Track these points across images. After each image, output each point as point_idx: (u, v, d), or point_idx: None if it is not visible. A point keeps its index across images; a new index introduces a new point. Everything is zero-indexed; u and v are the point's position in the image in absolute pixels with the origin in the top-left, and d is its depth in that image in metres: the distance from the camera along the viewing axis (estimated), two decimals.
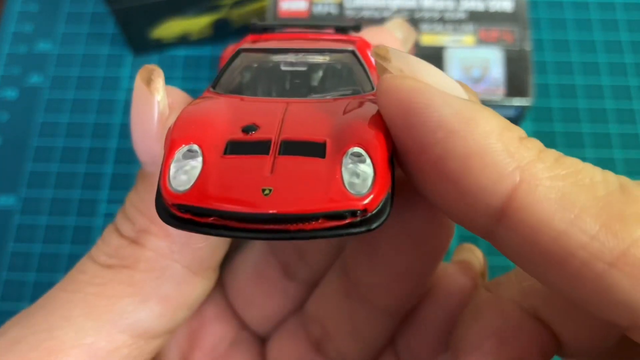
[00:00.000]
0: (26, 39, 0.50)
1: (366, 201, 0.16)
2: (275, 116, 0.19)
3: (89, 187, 0.44)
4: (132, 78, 0.48)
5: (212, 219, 0.16)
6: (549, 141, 0.45)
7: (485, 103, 0.38)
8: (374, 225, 0.17)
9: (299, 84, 0.21)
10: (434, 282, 0.23)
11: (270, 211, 0.16)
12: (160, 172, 0.17)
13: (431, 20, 0.40)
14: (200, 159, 0.17)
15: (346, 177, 0.17)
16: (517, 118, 0.39)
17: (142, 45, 0.48)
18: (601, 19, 0.50)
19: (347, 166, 0.17)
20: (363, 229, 0.16)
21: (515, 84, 0.38)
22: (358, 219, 0.16)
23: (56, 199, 0.44)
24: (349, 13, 0.40)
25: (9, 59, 0.49)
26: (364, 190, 0.16)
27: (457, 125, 0.16)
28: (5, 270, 0.42)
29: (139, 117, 0.20)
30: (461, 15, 0.40)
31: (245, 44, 0.23)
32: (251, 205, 0.16)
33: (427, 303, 0.23)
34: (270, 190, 0.16)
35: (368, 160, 0.17)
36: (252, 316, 0.26)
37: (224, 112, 0.19)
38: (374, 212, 0.17)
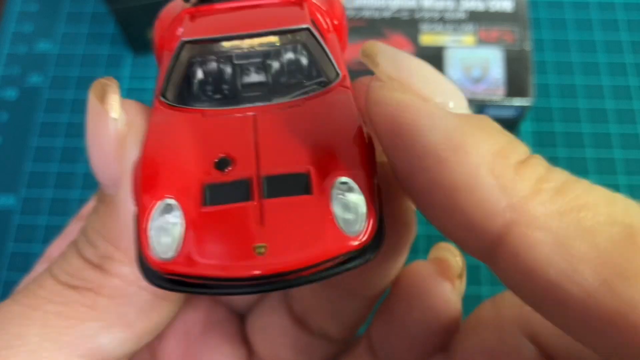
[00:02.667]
0: (26, 39, 0.50)
1: (363, 238, 0.15)
2: (247, 140, 0.17)
3: (88, 187, 0.44)
4: (132, 78, 0.48)
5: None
6: (549, 141, 0.45)
7: (486, 103, 0.38)
8: (372, 256, 0.16)
9: (257, 82, 0.19)
10: (409, 283, 0.23)
11: (268, 272, 0.15)
12: (137, 234, 0.16)
13: (431, 20, 0.40)
14: (179, 213, 0.16)
15: (338, 212, 0.16)
16: (517, 118, 0.39)
17: (142, 45, 0.48)
18: (601, 19, 0.50)
19: (337, 197, 0.16)
20: (362, 261, 0.16)
21: (515, 84, 0.38)
22: (356, 252, 0.16)
23: (56, 199, 0.44)
24: (349, 13, 0.40)
25: (9, 59, 0.49)
26: (360, 227, 0.15)
27: (446, 153, 0.15)
28: (5, 270, 0.42)
29: (94, 137, 0.18)
30: (461, 15, 0.40)
31: (185, 25, 0.20)
32: (246, 268, 0.15)
33: (402, 304, 0.22)
34: (264, 247, 0.15)
35: (356, 188, 0.16)
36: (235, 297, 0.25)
37: (189, 142, 0.17)
38: (370, 242, 0.16)
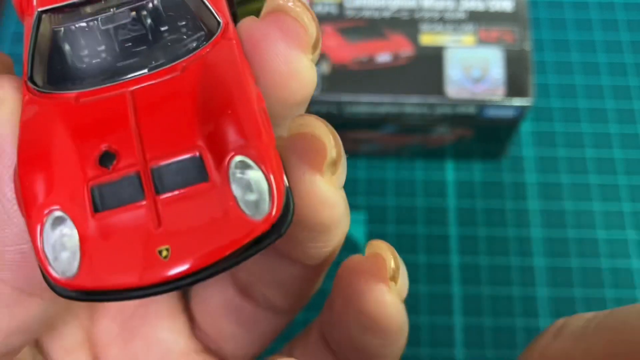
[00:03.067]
0: None
1: (271, 217, 0.15)
2: (127, 125, 0.15)
3: None
4: None
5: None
6: (549, 141, 0.45)
7: (486, 103, 0.38)
8: (282, 231, 0.15)
9: (133, 47, 0.17)
10: (345, 280, 0.21)
11: (177, 275, 0.14)
12: (34, 252, 0.15)
13: (431, 20, 0.40)
14: (70, 223, 0.15)
15: (239, 194, 0.15)
16: (517, 118, 0.39)
17: None
18: (601, 19, 0.50)
19: (235, 179, 0.15)
20: (271, 240, 0.15)
21: (515, 84, 0.38)
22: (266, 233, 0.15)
23: None
24: (349, 13, 0.40)
25: None
26: (265, 207, 0.15)
27: None
28: None
29: None
30: (461, 15, 0.40)
31: None
32: (154, 275, 0.14)
33: (339, 300, 0.21)
34: (167, 250, 0.14)
35: (254, 164, 0.15)
36: None
37: (65, 137, 0.15)
38: (279, 219, 0.15)
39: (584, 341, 0.18)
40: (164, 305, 0.23)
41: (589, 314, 0.19)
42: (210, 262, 0.14)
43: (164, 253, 0.14)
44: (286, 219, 0.15)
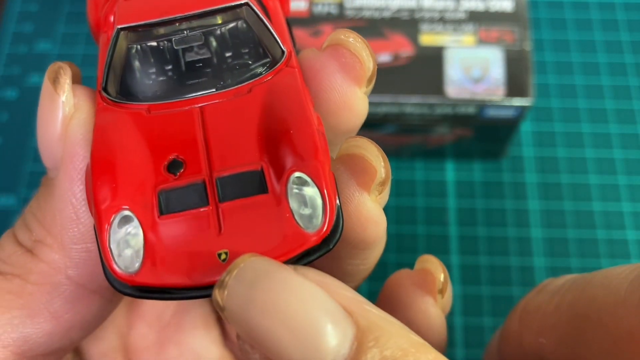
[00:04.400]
0: (26, 39, 0.50)
1: (322, 231, 0.16)
2: (195, 138, 0.17)
3: None
4: None
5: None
6: (549, 141, 0.45)
7: (486, 103, 0.38)
8: (331, 246, 0.16)
9: (199, 68, 0.19)
10: (391, 292, 0.22)
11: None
12: (99, 248, 0.16)
13: (431, 20, 0.40)
14: (136, 223, 0.16)
15: (295, 207, 0.16)
16: (517, 118, 0.39)
17: None
18: (601, 19, 0.50)
19: (293, 193, 0.16)
20: (321, 253, 0.16)
21: (515, 84, 0.38)
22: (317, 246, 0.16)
23: None
24: (349, 13, 0.40)
25: (9, 59, 0.49)
26: (318, 222, 0.16)
27: None
28: None
29: (43, 119, 0.18)
30: (461, 15, 0.40)
31: (119, 8, 0.19)
32: (212, 275, 0.15)
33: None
34: (226, 254, 0.15)
35: (310, 181, 0.16)
36: None
37: (137, 144, 0.17)
38: (330, 232, 0.16)
39: (557, 297, 0.21)
40: (199, 316, 0.24)
41: (569, 276, 0.22)
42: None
43: (223, 256, 0.15)
44: (336, 234, 0.16)
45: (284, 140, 0.16)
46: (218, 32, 0.19)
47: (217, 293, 0.14)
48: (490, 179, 0.44)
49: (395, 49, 0.39)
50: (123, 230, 0.16)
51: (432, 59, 0.39)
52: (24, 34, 0.50)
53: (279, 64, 0.18)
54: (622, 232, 0.43)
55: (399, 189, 0.44)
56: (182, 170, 0.16)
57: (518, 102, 0.38)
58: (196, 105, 0.17)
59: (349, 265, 0.20)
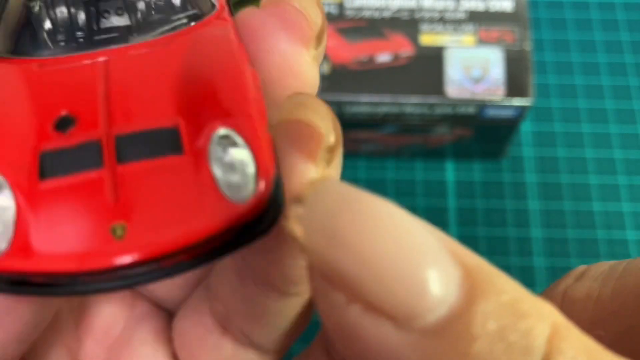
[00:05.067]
0: None
1: (256, 203, 0.12)
2: (94, 92, 0.13)
3: None
4: None
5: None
6: (549, 141, 0.45)
7: (486, 103, 0.38)
8: (269, 225, 0.12)
9: (108, 20, 0.15)
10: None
11: (133, 260, 0.11)
12: None
13: (431, 20, 0.40)
14: (8, 192, 0.12)
15: (219, 174, 0.12)
16: (517, 118, 0.39)
17: None
18: (601, 19, 0.50)
19: (216, 157, 0.12)
20: (255, 235, 0.12)
21: (515, 84, 0.38)
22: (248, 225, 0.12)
23: None
24: (349, 13, 0.40)
25: None
26: (249, 191, 0.12)
27: None
28: None
29: None
30: (461, 15, 0.40)
31: None
32: (103, 257, 0.11)
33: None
34: (122, 228, 0.12)
35: (241, 141, 0.12)
36: (158, 289, 0.21)
37: (18, 100, 0.13)
38: (265, 209, 0.12)
39: (611, 282, 0.18)
40: (150, 331, 0.21)
41: (610, 262, 0.19)
42: (175, 247, 0.11)
43: (119, 231, 0.12)
44: (273, 210, 0.12)
45: (207, 94, 0.13)
46: None
47: (294, 227, 0.11)
48: (490, 179, 0.44)
49: (395, 49, 0.39)
50: None
51: (432, 59, 0.39)
52: None
53: (207, 17, 0.15)
54: (622, 232, 0.43)
55: (399, 189, 0.44)
56: (73, 128, 0.13)
57: (518, 102, 0.38)
58: (100, 59, 0.14)
59: (297, 268, 0.15)
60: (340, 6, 0.40)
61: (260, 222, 0.12)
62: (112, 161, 0.12)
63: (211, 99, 0.13)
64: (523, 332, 0.10)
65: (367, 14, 0.40)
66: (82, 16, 0.15)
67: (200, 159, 0.12)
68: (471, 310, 0.10)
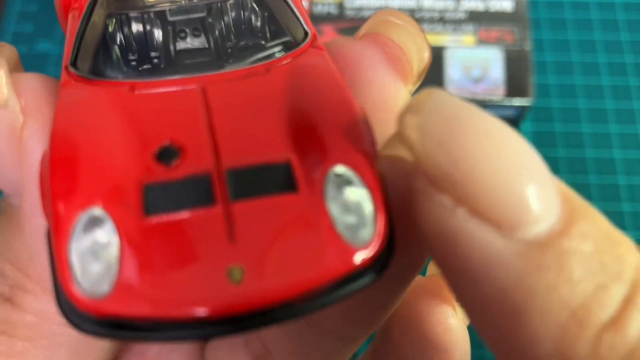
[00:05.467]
0: (26, 39, 0.50)
1: (375, 247, 0.11)
2: (196, 121, 0.12)
3: None
4: None
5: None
6: (549, 141, 0.45)
7: (486, 103, 0.38)
8: (383, 270, 0.11)
9: (198, 49, 0.15)
10: (404, 302, 0.18)
11: (254, 307, 0.10)
12: (52, 261, 0.11)
13: (431, 20, 0.40)
14: (110, 227, 0.11)
15: (336, 214, 0.11)
16: (517, 118, 0.39)
17: None
18: (601, 19, 0.50)
19: (333, 197, 0.11)
20: (372, 278, 0.11)
21: (515, 84, 0.38)
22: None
23: None
24: (349, 13, 0.40)
25: None
26: (368, 233, 0.11)
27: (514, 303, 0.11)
28: None
29: None
30: (461, 15, 0.40)
31: None
32: (221, 303, 0.10)
33: (397, 326, 0.18)
34: (240, 271, 0.10)
35: (357, 179, 0.11)
36: None
37: (115, 127, 0.12)
38: (383, 251, 0.11)
39: None
40: (185, 355, 0.20)
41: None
42: (298, 292, 0.11)
43: (237, 275, 0.10)
44: (388, 254, 0.11)
45: (317, 127, 0.12)
46: (221, 8, 0.15)
47: (409, 132, 0.11)
48: None
49: None
50: (91, 235, 0.11)
51: (432, 59, 0.39)
52: (24, 34, 0.50)
53: (302, 45, 0.14)
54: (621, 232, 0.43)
55: None
56: (178, 160, 0.12)
57: (518, 102, 0.38)
58: (194, 85, 0.13)
59: (356, 310, 0.15)
60: (340, 6, 0.40)
61: (377, 265, 0.11)
62: (224, 197, 0.11)
63: (323, 133, 0.12)
64: (616, 257, 0.11)
65: (367, 14, 0.40)
66: (158, 34, 0.14)
67: (316, 197, 0.11)
68: (571, 230, 0.11)
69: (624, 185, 0.44)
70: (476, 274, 0.11)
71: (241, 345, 0.19)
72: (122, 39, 0.14)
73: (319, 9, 0.40)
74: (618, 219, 0.43)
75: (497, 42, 0.39)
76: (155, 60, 0.14)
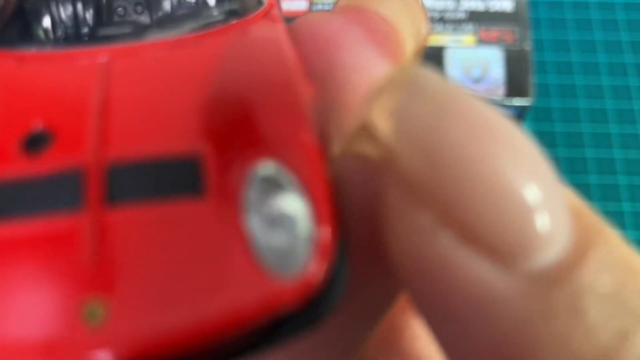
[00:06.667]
0: None
1: (310, 283, 0.08)
2: (86, 99, 0.09)
3: None
4: None
5: None
6: (549, 141, 0.45)
7: None
8: (324, 313, 0.08)
9: (122, 13, 0.12)
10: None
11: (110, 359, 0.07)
12: None
13: (431, 20, 0.40)
14: None
15: (257, 231, 0.08)
16: (517, 118, 0.39)
17: None
18: (601, 19, 0.50)
19: (255, 206, 0.08)
20: (308, 322, 0.08)
21: (515, 84, 0.38)
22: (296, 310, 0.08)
23: None
24: None
25: None
26: (299, 259, 0.08)
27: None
28: None
29: None
30: (461, 15, 0.40)
31: None
32: (67, 351, 0.07)
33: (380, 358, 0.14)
34: (101, 308, 0.07)
35: (292, 182, 0.08)
36: None
37: None
38: (323, 290, 0.08)
39: None
40: None
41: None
42: (181, 343, 0.07)
43: (96, 312, 0.07)
44: (335, 292, 0.08)
45: (245, 114, 0.09)
46: None
47: (378, 121, 0.08)
48: None
49: None
50: None
51: (432, 59, 0.39)
52: None
53: (250, 14, 0.11)
54: (622, 232, 0.43)
55: None
56: (47, 149, 0.09)
57: (518, 102, 0.38)
58: (101, 59, 0.10)
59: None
60: None
61: (311, 310, 0.08)
62: (98, 201, 0.08)
63: (251, 121, 0.09)
64: (639, 292, 0.08)
65: None
66: (89, 13, 0.12)
67: (230, 206, 0.08)
68: (586, 260, 0.08)
69: (624, 185, 0.44)
70: (464, 317, 0.08)
71: None
72: (48, 16, 0.12)
73: (319, 8, 0.40)
74: (618, 219, 0.43)
75: (497, 42, 0.39)
76: (72, 17, 0.12)
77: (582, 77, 0.48)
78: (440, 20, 0.40)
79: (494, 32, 0.40)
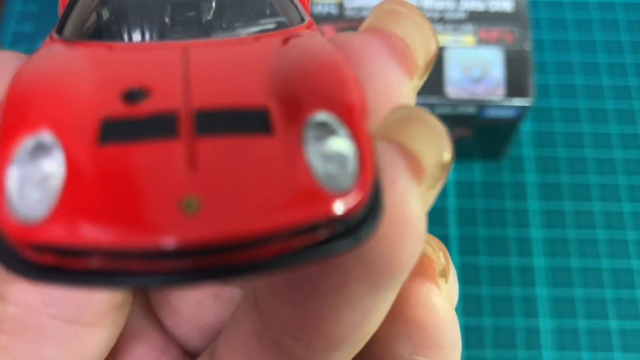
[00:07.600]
0: (26, 39, 0.50)
1: (353, 198, 0.10)
2: (173, 69, 0.11)
3: None
4: None
5: (97, 261, 0.09)
6: (549, 141, 0.45)
7: (485, 103, 0.38)
8: (365, 234, 0.10)
9: (192, 19, 0.14)
10: None
11: (204, 241, 0.09)
12: None
13: (431, 20, 0.40)
14: (59, 155, 0.10)
15: (316, 162, 0.10)
16: (517, 118, 0.39)
17: None
18: (601, 19, 0.50)
19: (313, 144, 0.10)
20: (350, 242, 0.10)
21: (515, 84, 0.38)
22: (340, 227, 0.10)
23: None
24: (349, 13, 0.40)
25: None
26: (347, 181, 0.10)
27: None
28: None
29: None
30: (461, 15, 0.40)
31: None
32: (165, 234, 0.09)
33: (384, 323, 0.15)
34: (196, 201, 0.09)
35: (343, 131, 0.10)
36: (183, 332, 0.18)
37: (86, 70, 0.11)
38: (363, 212, 0.10)
39: None
40: None
41: None
42: (259, 232, 0.09)
43: (193, 204, 0.09)
44: (373, 219, 0.10)
45: (304, 78, 0.11)
46: None
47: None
48: (490, 179, 0.44)
49: None
50: (36, 164, 0.10)
51: None
52: (24, 34, 0.50)
53: (296, 26, 0.14)
54: (622, 232, 0.43)
55: None
56: (145, 100, 0.11)
57: (518, 102, 0.38)
58: (180, 47, 0.12)
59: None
60: (340, 6, 0.40)
61: (353, 227, 0.10)
62: (189, 131, 0.10)
63: (308, 85, 0.11)
64: None
65: (367, 14, 0.40)
66: (166, 16, 0.14)
67: (293, 142, 0.10)
68: None
69: (624, 185, 0.44)
70: None
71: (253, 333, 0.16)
72: (116, 16, 0.14)
73: (319, 9, 0.40)
74: (618, 219, 0.43)
75: (497, 42, 0.39)
76: (150, 25, 0.14)
77: (582, 77, 0.48)
78: (440, 20, 0.40)
79: (494, 32, 0.40)
